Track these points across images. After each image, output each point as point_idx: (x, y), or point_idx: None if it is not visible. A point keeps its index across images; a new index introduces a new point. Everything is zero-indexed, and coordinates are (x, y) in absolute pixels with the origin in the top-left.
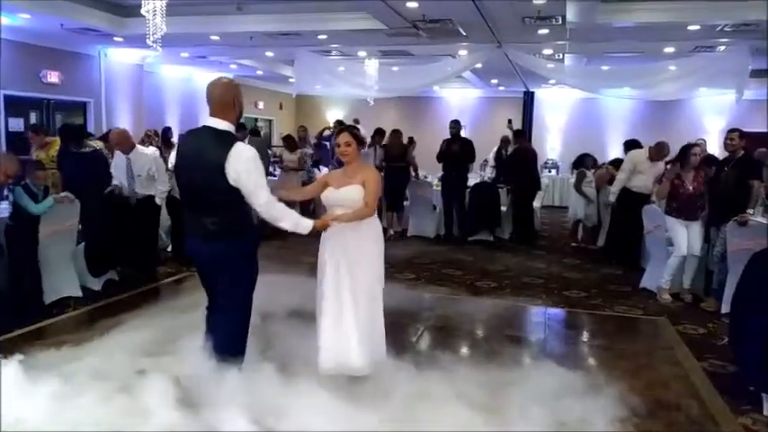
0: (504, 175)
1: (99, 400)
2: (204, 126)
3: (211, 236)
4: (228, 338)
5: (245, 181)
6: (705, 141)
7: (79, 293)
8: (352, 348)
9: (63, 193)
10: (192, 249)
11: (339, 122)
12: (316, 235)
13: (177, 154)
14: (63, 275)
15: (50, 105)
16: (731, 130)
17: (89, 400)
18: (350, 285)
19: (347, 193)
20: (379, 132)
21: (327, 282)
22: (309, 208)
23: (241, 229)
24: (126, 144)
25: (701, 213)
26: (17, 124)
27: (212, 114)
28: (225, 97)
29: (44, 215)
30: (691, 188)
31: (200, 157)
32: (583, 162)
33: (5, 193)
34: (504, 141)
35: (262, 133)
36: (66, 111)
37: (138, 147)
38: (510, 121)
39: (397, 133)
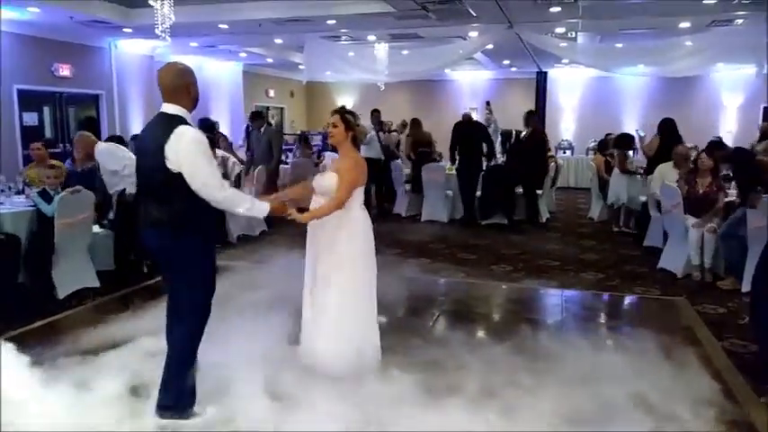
0: (517, 160)
1: None
2: (158, 113)
3: (157, 224)
4: (178, 354)
5: (186, 164)
6: (721, 138)
7: (96, 284)
8: (322, 345)
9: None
10: (144, 240)
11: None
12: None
13: (136, 145)
14: (79, 267)
15: (63, 99)
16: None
17: None
18: (322, 281)
19: (326, 179)
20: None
21: (307, 275)
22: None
23: (188, 220)
24: (89, 149)
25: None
26: (31, 119)
27: (165, 100)
28: (175, 82)
29: (59, 209)
30: (701, 192)
31: (146, 142)
32: (624, 142)
33: (22, 186)
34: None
35: (273, 122)
36: (79, 104)
37: (98, 143)
38: (488, 104)
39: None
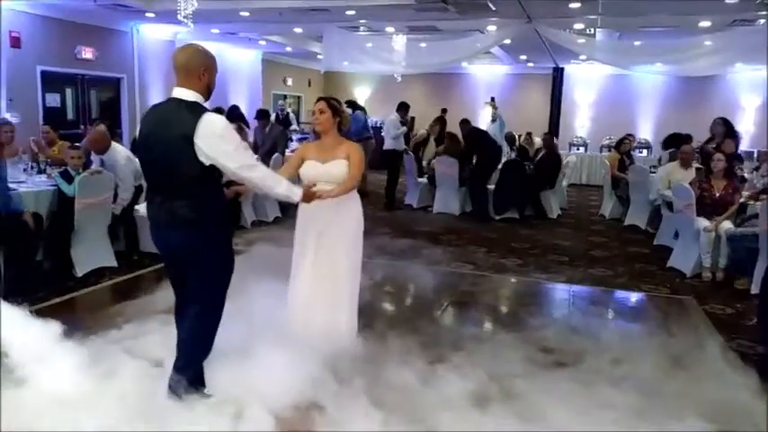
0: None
1: None
2: (169, 98)
3: (180, 222)
4: (194, 342)
5: (223, 154)
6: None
7: (114, 264)
8: (327, 320)
9: (93, 167)
10: (159, 239)
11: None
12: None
13: (139, 131)
14: (98, 247)
15: (85, 81)
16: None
17: None
18: (328, 260)
19: (335, 167)
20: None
21: (308, 254)
22: None
23: (214, 214)
24: (100, 144)
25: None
26: (54, 100)
27: (178, 84)
28: (190, 65)
29: (79, 189)
30: (717, 195)
31: (163, 130)
32: (674, 142)
33: (44, 167)
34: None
35: (290, 110)
36: (101, 86)
37: (114, 145)
38: (492, 99)
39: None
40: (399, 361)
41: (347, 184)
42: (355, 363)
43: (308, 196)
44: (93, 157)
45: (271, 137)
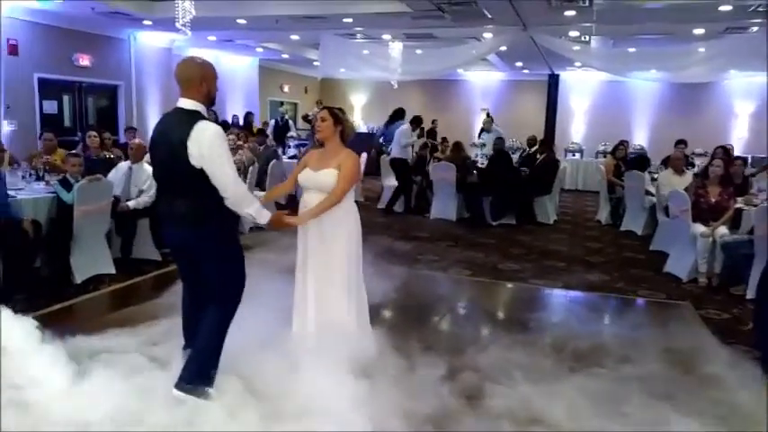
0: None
1: None
2: (174, 107)
3: (181, 219)
4: (206, 338)
5: (209, 160)
6: (733, 147)
7: (113, 270)
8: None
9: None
10: (166, 235)
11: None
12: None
13: (150, 138)
14: (97, 254)
15: (82, 88)
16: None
17: None
18: (325, 268)
19: (324, 176)
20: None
21: (308, 262)
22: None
23: (214, 213)
24: (139, 155)
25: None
26: (51, 107)
27: (181, 95)
28: (188, 75)
29: (78, 196)
30: (713, 200)
31: (165, 136)
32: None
33: (42, 173)
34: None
35: (287, 116)
36: (98, 94)
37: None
38: (488, 114)
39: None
40: (415, 368)
41: (330, 199)
42: (367, 370)
43: (276, 223)
44: (123, 164)
45: (264, 155)
